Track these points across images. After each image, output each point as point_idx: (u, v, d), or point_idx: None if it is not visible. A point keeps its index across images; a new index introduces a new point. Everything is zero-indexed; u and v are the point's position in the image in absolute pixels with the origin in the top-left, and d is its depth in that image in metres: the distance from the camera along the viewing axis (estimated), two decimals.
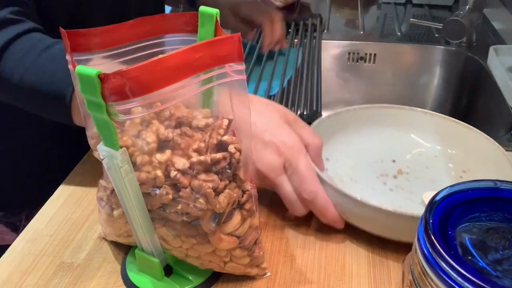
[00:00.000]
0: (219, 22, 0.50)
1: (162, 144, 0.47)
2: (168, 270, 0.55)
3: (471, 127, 0.68)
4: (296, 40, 1.15)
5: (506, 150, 0.76)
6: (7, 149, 0.81)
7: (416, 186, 0.66)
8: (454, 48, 1.16)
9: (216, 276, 0.55)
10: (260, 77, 0.99)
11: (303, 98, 0.91)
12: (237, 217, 0.50)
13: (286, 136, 0.53)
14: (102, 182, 0.54)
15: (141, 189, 0.47)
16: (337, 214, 0.55)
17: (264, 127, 0.52)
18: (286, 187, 0.53)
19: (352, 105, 0.73)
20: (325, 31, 1.26)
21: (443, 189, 0.45)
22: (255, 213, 0.52)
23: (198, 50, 0.42)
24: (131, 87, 0.40)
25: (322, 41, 1.15)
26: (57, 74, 0.58)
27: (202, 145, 0.47)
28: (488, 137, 0.66)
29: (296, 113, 0.88)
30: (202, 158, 0.46)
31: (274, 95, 0.94)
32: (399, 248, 0.59)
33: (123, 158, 0.45)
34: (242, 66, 0.45)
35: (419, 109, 0.73)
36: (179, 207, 0.47)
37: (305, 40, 1.14)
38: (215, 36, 0.51)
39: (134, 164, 0.46)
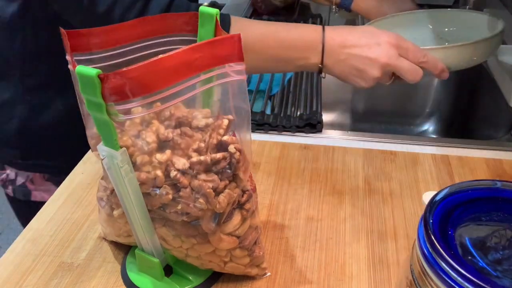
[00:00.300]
0: (219, 22, 0.50)
1: (162, 144, 0.47)
2: (168, 270, 0.55)
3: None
4: None
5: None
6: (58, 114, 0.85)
7: None
8: None
9: (216, 276, 0.55)
10: (260, 77, 0.99)
11: (303, 98, 0.92)
12: (237, 217, 0.50)
13: (389, 34, 0.74)
14: (102, 182, 0.54)
15: (141, 189, 0.47)
16: (443, 64, 0.76)
17: (369, 35, 0.74)
18: (405, 63, 0.73)
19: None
20: None
21: (443, 189, 0.45)
22: (255, 213, 0.52)
23: (198, 50, 0.42)
24: (131, 87, 0.40)
25: None
26: None
27: (202, 145, 0.47)
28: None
29: (296, 113, 0.88)
30: (202, 158, 0.46)
31: (274, 95, 0.94)
32: (399, 248, 0.59)
33: (123, 158, 0.45)
34: (242, 66, 0.45)
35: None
36: (179, 207, 0.47)
37: None
38: (215, 36, 0.51)
39: (134, 164, 0.46)
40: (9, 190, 0.91)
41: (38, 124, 0.84)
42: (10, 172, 0.90)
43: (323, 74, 0.77)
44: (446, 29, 1.00)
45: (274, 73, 0.99)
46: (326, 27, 0.75)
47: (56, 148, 0.88)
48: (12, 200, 0.94)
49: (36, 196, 0.90)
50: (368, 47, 0.73)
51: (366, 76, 0.74)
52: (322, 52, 0.74)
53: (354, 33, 0.74)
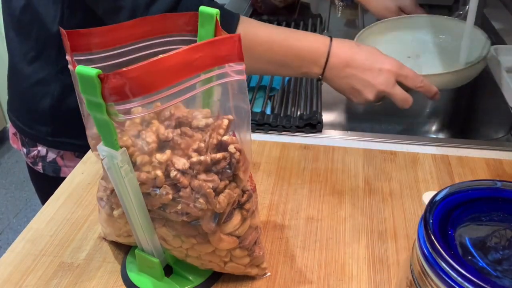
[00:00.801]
0: (219, 22, 0.50)
1: (162, 144, 0.47)
2: (168, 270, 0.55)
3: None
4: None
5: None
6: None
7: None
8: None
9: (216, 276, 0.55)
10: (260, 77, 0.99)
11: (303, 98, 0.91)
12: (237, 217, 0.50)
13: (389, 60, 0.78)
14: (102, 182, 0.54)
15: (141, 189, 0.47)
16: (436, 88, 0.81)
17: (373, 58, 0.78)
18: (398, 91, 0.78)
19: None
20: (325, 31, 1.26)
21: (443, 189, 0.45)
22: (255, 213, 0.52)
23: (198, 50, 0.42)
24: (131, 87, 0.40)
25: None
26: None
27: (202, 145, 0.47)
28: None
29: (296, 113, 0.88)
30: (202, 158, 0.46)
31: (274, 95, 0.94)
32: (399, 248, 0.59)
33: (123, 158, 0.45)
34: (242, 66, 0.45)
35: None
36: (179, 207, 0.47)
37: None
38: (215, 36, 0.51)
39: (134, 164, 0.46)
40: (39, 167, 0.94)
41: (69, 103, 0.86)
42: (41, 149, 0.92)
43: (321, 81, 0.80)
44: (441, 36, 1.04)
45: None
46: (334, 41, 0.78)
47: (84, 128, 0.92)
48: (40, 178, 0.96)
49: (65, 172, 0.93)
50: (370, 71, 0.77)
51: (360, 96, 0.79)
52: (325, 66, 0.77)
53: (360, 53, 0.78)
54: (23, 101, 0.90)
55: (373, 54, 0.78)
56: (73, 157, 0.92)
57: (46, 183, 0.95)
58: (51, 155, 0.92)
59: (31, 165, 0.96)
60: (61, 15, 0.80)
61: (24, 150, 0.95)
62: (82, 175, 0.73)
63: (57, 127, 0.89)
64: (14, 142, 1.00)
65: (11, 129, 0.99)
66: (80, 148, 0.90)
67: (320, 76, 0.79)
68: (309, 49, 0.77)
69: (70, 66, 0.46)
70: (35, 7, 0.81)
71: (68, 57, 0.47)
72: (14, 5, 0.83)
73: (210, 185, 0.46)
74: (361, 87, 0.77)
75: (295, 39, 0.77)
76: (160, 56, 0.40)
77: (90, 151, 0.77)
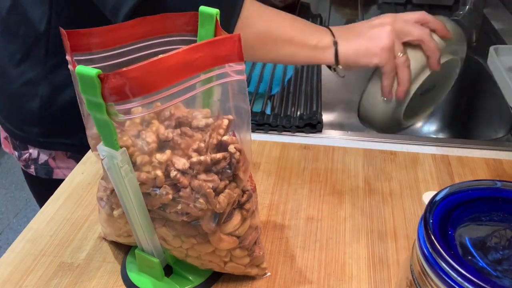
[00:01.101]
0: (219, 22, 0.50)
1: (162, 144, 0.47)
2: (168, 270, 0.55)
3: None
4: None
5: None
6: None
7: None
8: None
9: (216, 276, 0.55)
10: (260, 77, 0.99)
11: (303, 98, 0.91)
12: (237, 217, 0.50)
13: (384, 16, 0.78)
14: (102, 182, 0.54)
15: (141, 189, 0.47)
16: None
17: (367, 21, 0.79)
18: (409, 23, 0.77)
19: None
20: None
21: (443, 189, 0.45)
22: (255, 213, 0.52)
23: (198, 50, 0.42)
24: (131, 87, 0.40)
25: None
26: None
27: (202, 145, 0.47)
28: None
29: (296, 113, 0.88)
30: (202, 158, 0.46)
31: (274, 95, 0.94)
32: (399, 248, 0.59)
33: (123, 158, 0.45)
34: (242, 66, 0.45)
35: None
36: (179, 207, 0.47)
37: None
38: (215, 36, 0.51)
39: (134, 164, 0.46)
40: (32, 169, 0.93)
41: (58, 103, 0.86)
42: (32, 151, 0.92)
43: (340, 66, 0.77)
44: None
45: (273, 74, 1.00)
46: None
47: (76, 127, 0.89)
48: (34, 180, 0.96)
49: (58, 174, 0.92)
50: (371, 21, 0.78)
51: (380, 40, 0.76)
52: (332, 33, 0.77)
53: (354, 24, 0.81)
54: (12, 103, 0.89)
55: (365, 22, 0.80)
56: (65, 158, 0.92)
57: (40, 186, 0.94)
58: (43, 157, 0.92)
59: (24, 168, 0.95)
60: (49, 15, 0.79)
61: (16, 153, 0.94)
62: (82, 175, 0.73)
63: (48, 127, 0.89)
64: (6, 146, 0.99)
65: (2, 133, 0.98)
66: (71, 147, 0.89)
67: (334, 39, 0.76)
68: (313, 25, 0.81)
69: (70, 66, 0.46)
70: (23, 7, 0.80)
71: (68, 57, 0.47)
72: (0, 6, 0.83)
73: (210, 185, 0.46)
74: (374, 32, 0.76)
75: (296, 18, 0.81)
76: (160, 56, 0.40)
77: (90, 151, 0.77)
